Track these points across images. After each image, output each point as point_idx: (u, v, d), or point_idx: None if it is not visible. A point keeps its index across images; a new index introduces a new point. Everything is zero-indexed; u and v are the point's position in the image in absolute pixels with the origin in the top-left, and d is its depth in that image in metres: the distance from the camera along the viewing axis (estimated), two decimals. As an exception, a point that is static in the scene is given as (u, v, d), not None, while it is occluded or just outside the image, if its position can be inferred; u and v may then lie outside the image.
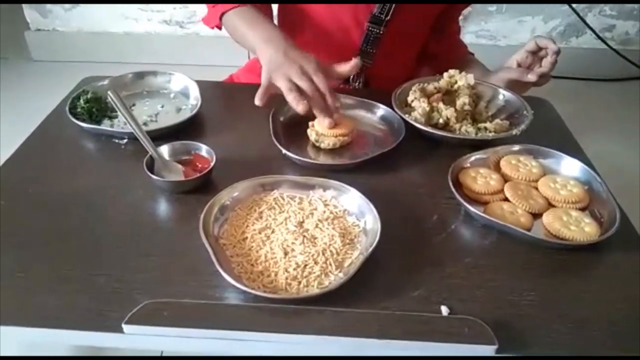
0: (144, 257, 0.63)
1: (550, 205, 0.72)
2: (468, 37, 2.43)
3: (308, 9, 1.00)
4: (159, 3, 2.30)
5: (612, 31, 2.36)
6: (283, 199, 0.69)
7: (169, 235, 0.67)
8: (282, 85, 0.78)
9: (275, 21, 1.06)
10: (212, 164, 0.73)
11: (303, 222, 0.66)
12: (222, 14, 0.94)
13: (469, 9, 2.35)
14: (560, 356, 0.54)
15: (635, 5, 2.28)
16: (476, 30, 2.40)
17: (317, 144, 0.82)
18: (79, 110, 0.87)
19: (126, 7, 2.35)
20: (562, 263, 0.65)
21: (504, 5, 2.31)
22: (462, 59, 1.13)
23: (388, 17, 0.97)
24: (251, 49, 0.88)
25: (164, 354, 1.01)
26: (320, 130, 0.81)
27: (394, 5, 0.96)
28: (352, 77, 1.07)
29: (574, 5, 2.26)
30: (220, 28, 0.98)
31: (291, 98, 0.77)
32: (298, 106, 0.77)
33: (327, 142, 0.81)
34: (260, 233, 0.64)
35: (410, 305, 0.57)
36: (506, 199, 0.72)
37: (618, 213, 0.68)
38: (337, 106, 0.81)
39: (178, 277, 0.60)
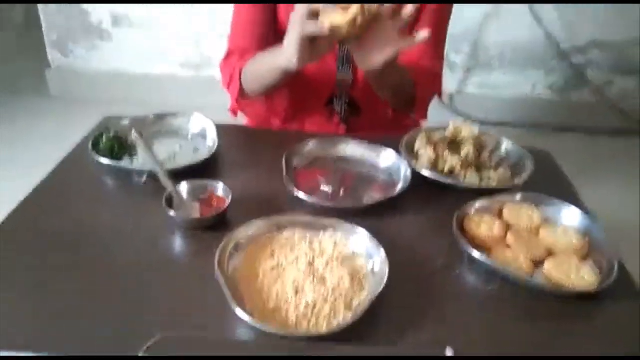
0: (159, 291, 0.65)
1: (551, 253, 0.75)
2: (471, 88, 2.52)
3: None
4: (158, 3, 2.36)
5: (611, 86, 2.44)
6: (294, 238, 0.72)
7: (184, 270, 0.70)
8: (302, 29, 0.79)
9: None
10: (227, 203, 0.77)
11: (313, 261, 0.68)
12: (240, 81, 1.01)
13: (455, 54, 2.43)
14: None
15: (636, 60, 2.37)
16: (479, 81, 2.49)
17: (336, 31, 0.78)
18: (101, 147, 0.91)
19: (145, 50, 2.46)
20: (562, 310, 0.67)
21: (506, 60, 2.40)
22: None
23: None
24: (278, 67, 0.90)
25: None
26: (332, 20, 0.77)
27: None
28: (335, 97, 1.12)
29: (574, 61, 2.35)
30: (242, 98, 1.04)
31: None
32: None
33: (345, 24, 0.76)
34: (272, 271, 0.67)
35: (416, 346, 0.59)
36: (509, 246, 0.75)
37: (617, 263, 0.70)
38: None
39: (192, 312, 0.62)
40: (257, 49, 1.02)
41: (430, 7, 1.04)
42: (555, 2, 2.23)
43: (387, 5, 0.80)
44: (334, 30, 0.77)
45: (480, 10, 2.29)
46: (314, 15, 0.78)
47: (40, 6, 2.39)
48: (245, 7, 1.08)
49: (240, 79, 1.02)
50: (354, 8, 0.77)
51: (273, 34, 1.06)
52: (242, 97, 1.05)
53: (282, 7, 1.05)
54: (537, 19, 2.26)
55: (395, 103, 1.06)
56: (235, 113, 1.11)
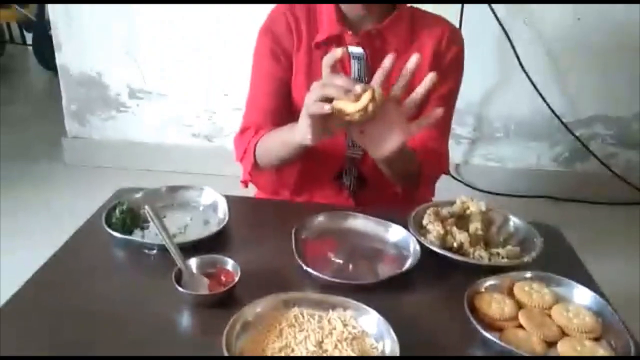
0: (165, 369, 0.64)
1: (563, 333, 0.73)
2: (477, 159, 2.56)
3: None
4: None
5: (616, 158, 2.47)
6: (303, 316, 0.72)
7: (190, 348, 0.69)
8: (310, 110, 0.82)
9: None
10: (236, 279, 0.77)
11: (322, 341, 0.67)
12: (254, 151, 1.05)
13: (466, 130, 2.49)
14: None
15: (637, 136, 2.41)
16: (484, 153, 2.54)
17: (348, 118, 0.80)
18: (114, 220, 0.93)
19: (158, 120, 2.55)
20: (579, 396, 0.64)
21: (511, 131, 2.46)
22: None
23: None
24: (292, 141, 0.92)
25: None
26: (344, 107, 0.79)
27: None
28: (345, 172, 1.14)
29: (577, 134, 2.40)
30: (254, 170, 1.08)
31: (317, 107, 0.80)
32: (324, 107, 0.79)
33: (357, 112, 0.78)
34: (280, 352, 0.66)
35: None
36: (520, 326, 0.74)
37: (632, 345, 0.69)
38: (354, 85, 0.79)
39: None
40: (272, 124, 1.06)
41: (437, 92, 1.08)
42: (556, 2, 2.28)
43: (398, 87, 0.84)
44: (344, 115, 0.80)
45: (483, 84, 2.38)
46: (326, 100, 0.81)
47: (61, 79, 2.51)
48: (260, 84, 1.13)
49: (254, 152, 1.06)
50: (365, 98, 0.79)
51: (287, 111, 1.10)
52: (254, 170, 1.08)
53: (295, 86, 1.11)
54: (538, 94, 2.33)
55: (401, 183, 1.08)
56: (246, 184, 1.14)
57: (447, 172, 1.17)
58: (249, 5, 2.24)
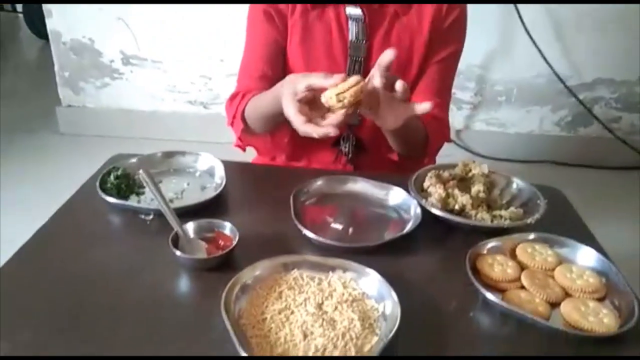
0: (163, 333, 0.64)
1: (567, 294, 0.72)
2: (478, 124, 2.53)
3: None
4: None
5: (619, 122, 2.44)
6: (303, 279, 0.71)
7: (189, 312, 0.68)
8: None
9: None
10: (234, 242, 0.75)
11: (322, 303, 0.66)
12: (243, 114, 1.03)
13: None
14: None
15: (640, 99, 2.38)
16: (486, 118, 2.50)
17: (338, 105, 0.76)
18: (108, 186, 0.91)
19: (154, 88, 2.50)
20: (581, 353, 0.64)
21: (513, 96, 2.42)
22: None
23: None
24: (276, 108, 0.88)
25: None
26: (329, 100, 0.77)
27: (362, 66, 1.04)
28: (342, 138, 1.12)
29: (581, 98, 2.36)
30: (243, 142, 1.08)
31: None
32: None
33: (343, 100, 0.75)
34: (279, 314, 0.65)
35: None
36: (523, 287, 0.73)
37: (637, 305, 0.68)
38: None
39: (197, 355, 0.60)
40: (263, 89, 1.03)
41: (438, 56, 1.05)
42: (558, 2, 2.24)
43: (379, 80, 0.79)
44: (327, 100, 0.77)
45: (485, 48, 2.32)
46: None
47: (52, 45, 2.45)
48: (254, 48, 1.09)
49: (242, 117, 1.04)
50: (344, 84, 0.76)
51: (281, 77, 1.06)
52: (245, 134, 1.06)
53: (290, 50, 1.07)
54: (541, 56, 2.28)
55: (406, 152, 1.06)
56: (242, 148, 1.12)
57: (449, 140, 1.14)
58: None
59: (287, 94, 0.80)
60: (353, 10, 1.02)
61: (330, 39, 1.04)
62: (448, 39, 1.06)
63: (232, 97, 1.09)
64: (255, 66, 1.08)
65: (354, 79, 0.76)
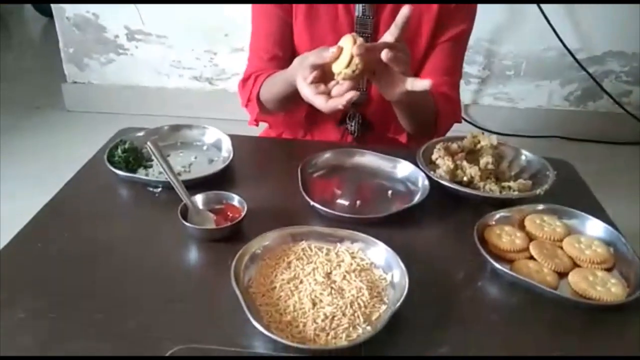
0: (173, 303, 0.64)
1: (575, 265, 0.72)
2: (486, 99, 2.50)
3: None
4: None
5: (629, 96, 2.41)
6: (311, 249, 0.71)
7: (199, 282, 0.69)
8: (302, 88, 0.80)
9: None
10: (243, 214, 0.76)
11: (330, 273, 0.67)
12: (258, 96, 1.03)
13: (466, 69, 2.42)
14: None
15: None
16: (494, 92, 2.47)
17: (355, 75, 0.76)
18: (116, 159, 0.91)
19: (159, 64, 2.48)
20: (588, 323, 0.64)
21: (522, 70, 2.39)
22: None
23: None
24: (290, 90, 0.90)
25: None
26: (345, 76, 0.77)
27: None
28: (348, 116, 1.11)
29: (590, 71, 2.33)
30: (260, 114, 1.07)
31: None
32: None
33: (356, 70, 0.75)
34: (288, 283, 0.65)
35: (438, 361, 0.58)
36: (531, 258, 0.73)
37: (645, 275, 0.68)
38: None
39: (207, 325, 0.61)
40: (274, 69, 1.03)
41: (447, 34, 1.03)
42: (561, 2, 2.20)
43: (389, 37, 0.79)
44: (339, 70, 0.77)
45: (493, 21, 2.28)
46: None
47: (57, 21, 2.43)
48: (261, 24, 1.08)
49: (258, 98, 1.03)
50: (345, 54, 0.76)
51: (289, 55, 1.06)
52: (261, 115, 1.07)
53: (296, 29, 1.05)
54: (551, 28, 2.24)
55: (415, 130, 1.05)
56: (256, 125, 1.12)
57: (460, 121, 1.13)
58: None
59: (299, 81, 0.81)
60: None
61: (335, 15, 1.02)
62: (458, 17, 1.04)
63: (245, 80, 1.08)
64: (265, 48, 1.07)
65: (348, 40, 0.76)
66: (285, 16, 1.04)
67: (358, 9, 1.01)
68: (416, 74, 1.05)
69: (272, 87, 1.00)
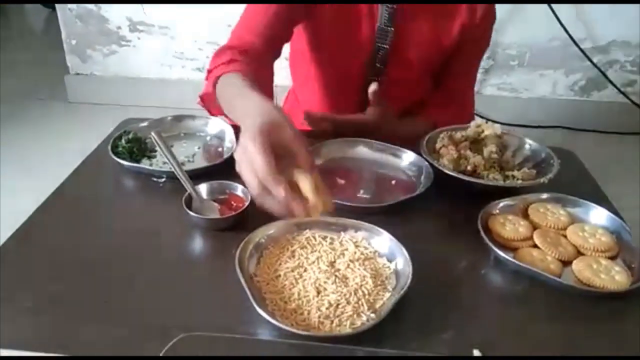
0: (179, 292, 0.65)
1: (579, 253, 0.72)
2: (490, 89, 2.49)
3: (314, 65, 1.08)
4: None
5: (634, 86, 2.39)
6: (315, 238, 0.71)
7: (204, 270, 0.69)
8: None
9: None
10: (247, 203, 0.76)
11: (334, 261, 0.67)
12: (216, 80, 0.87)
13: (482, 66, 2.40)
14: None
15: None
16: (498, 83, 2.46)
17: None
18: (120, 149, 0.91)
19: (162, 55, 2.48)
20: (592, 311, 0.65)
21: (526, 59, 2.37)
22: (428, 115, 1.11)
23: (384, 67, 1.05)
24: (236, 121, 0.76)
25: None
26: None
27: (387, 55, 1.03)
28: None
29: (595, 61, 2.31)
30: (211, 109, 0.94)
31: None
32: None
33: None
34: (293, 271, 0.66)
35: (442, 348, 0.58)
36: (535, 246, 0.73)
37: (649, 263, 0.68)
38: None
39: (212, 312, 0.62)
40: (262, 49, 0.94)
41: (464, 52, 1.06)
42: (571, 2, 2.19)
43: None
44: None
45: (497, 10, 2.25)
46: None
47: (59, 13, 2.43)
48: (262, 8, 1.02)
49: (216, 82, 0.88)
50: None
51: (285, 38, 1.02)
52: (210, 100, 0.92)
53: (312, 28, 1.04)
54: (556, 18, 2.22)
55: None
56: (204, 107, 0.96)
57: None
58: None
59: (260, 136, 0.58)
60: None
61: (359, 22, 1.01)
62: (477, 41, 1.08)
63: (220, 51, 0.94)
64: (261, 20, 0.96)
65: (305, 182, 0.60)
66: (300, 7, 0.98)
67: (381, 16, 1.00)
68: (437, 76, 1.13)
69: (231, 90, 0.82)
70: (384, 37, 1.02)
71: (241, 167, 0.60)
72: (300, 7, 0.99)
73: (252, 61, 0.91)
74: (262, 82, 0.84)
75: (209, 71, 0.93)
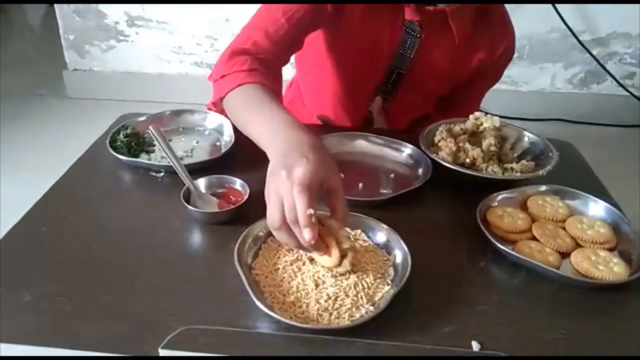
0: (178, 285, 0.65)
1: (577, 245, 0.73)
2: (489, 82, 2.47)
3: (326, 71, 1.06)
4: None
5: (633, 79, 2.39)
6: (314, 232, 0.71)
7: (202, 264, 0.69)
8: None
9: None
10: (245, 197, 0.76)
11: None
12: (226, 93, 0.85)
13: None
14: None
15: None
16: (497, 75, 2.45)
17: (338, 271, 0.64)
18: (118, 144, 0.91)
19: (160, 50, 2.47)
20: (591, 302, 0.65)
21: (525, 52, 2.36)
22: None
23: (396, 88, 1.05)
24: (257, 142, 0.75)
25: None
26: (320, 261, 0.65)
27: (400, 78, 1.03)
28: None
29: (594, 53, 2.31)
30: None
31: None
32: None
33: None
34: (291, 265, 0.66)
35: (441, 340, 0.58)
36: (533, 238, 0.73)
37: (647, 254, 0.68)
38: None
39: (212, 306, 0.62)
40: (277, 58, 0.92)
41: (481, 76, 1.07)
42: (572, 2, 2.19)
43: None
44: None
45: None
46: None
47: (57, 8, 2.42)
48: (281, 12, 0.90)
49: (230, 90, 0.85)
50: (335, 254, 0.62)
51: (299, 45, 0.97)
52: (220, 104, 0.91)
53: (334, 37, 1.00)
54: (555, 10, 2.21)
55: None
56: (215, 107, 0.96)
57: None
58: None
59: (310, 179, 0.56)
60: (410, 26, 0.95)
61: (381, 42, 0.98)
62: (491, 75, 1.11)
63: (235, 54, 0.89)
64: (282, 26, 0.89)
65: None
66: (323, 16, 0.92)
67: (404, 41, 0.97)
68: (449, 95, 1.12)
69: (251, 102, 0.80)
70: (401, 62, 1.01)
71: (270, 197, 0.59)
72: (326, 16, 0.92)
73: (270, 72, 0.88)
74: (279, 96, 0.85)
75: (223, 75, 0.88)
